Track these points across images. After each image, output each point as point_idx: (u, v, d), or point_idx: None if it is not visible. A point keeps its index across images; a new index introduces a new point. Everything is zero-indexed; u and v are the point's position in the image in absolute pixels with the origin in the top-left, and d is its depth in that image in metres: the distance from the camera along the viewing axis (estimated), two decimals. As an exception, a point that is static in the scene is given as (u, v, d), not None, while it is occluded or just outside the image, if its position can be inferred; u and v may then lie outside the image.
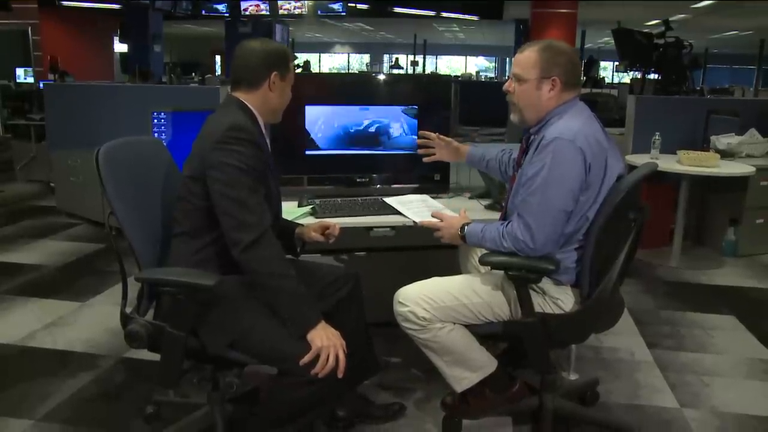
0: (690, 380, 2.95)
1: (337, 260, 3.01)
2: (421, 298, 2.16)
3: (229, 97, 2.12)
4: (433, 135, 2.69)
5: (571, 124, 2.06)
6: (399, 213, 2.58)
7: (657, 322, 3.62)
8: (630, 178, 2.09)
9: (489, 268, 2.18)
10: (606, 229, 2.04)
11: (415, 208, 2.61)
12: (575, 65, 2.17)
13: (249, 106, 2.08)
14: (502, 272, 2.13)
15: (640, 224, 2.17)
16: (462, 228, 2.23)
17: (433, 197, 2.80)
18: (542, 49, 2.14)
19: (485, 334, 2.24)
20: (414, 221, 2.49)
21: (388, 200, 2.68)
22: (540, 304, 2.14)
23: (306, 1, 14.42)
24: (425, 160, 2.71)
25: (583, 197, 2.05)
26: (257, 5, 14.86)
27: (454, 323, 2.18)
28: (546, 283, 2.13)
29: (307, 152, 2.90)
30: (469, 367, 2.24)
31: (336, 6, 14.71)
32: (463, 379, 2.26)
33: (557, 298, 2.15)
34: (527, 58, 2.15)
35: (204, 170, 1.94)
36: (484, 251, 2.17)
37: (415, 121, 2.96)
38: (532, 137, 2.18)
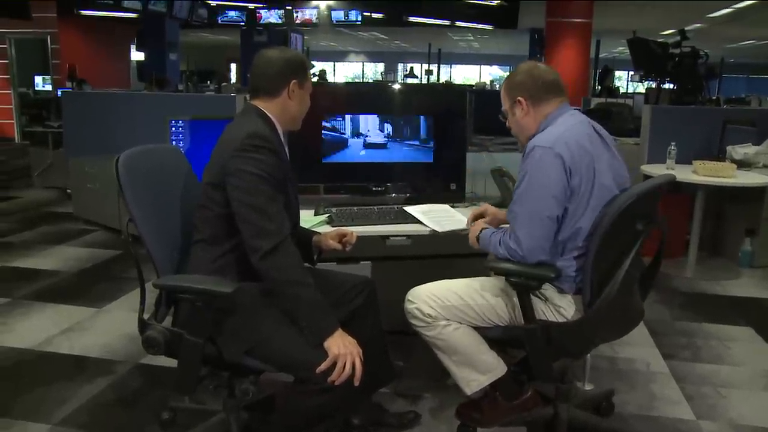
0: (706, 392, 2.93)
1: (353, 269, 3.02)
2: (428, 296, 2.24)
3: (248, 105, 2.13)
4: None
5: (553, 132, 2.11)
6: (417, 222, 2.59)
7: (673, 333, 3.60)
8: (636, 188, 2.08)
9: None
10: (607, 238, 2.02)
11: (436, 217, 2.62)
12: (535, 76, 2.21)
13: (268, 114, 2.10)
14: None
15: (663, 238, 2.16)
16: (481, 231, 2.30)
17: (450, 206, 2.80)
18: (505, 81, 2.31)
19: (491, 337, 2.27)
20: (435, 231, 2.51)
21: (409, 209, 2.69)
22: (543, 311, 2.16)
23: (323, 1, 14.46)
24: None
25: (572, 204, 2.06)
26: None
27: (460, 323, 2.23)
28: (549, 290, 2.15)
29: (324, 161, 2.91)
30: (477, 368, 2.27)
31: (351, 15, 14.77)
32: (471, 381, 2.28)
33: (560, 306, 2.16)
34: (501, 94, 2.30)
35: (224, 177, 1.95)
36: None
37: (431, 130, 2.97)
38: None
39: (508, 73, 2.33)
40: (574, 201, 2.06)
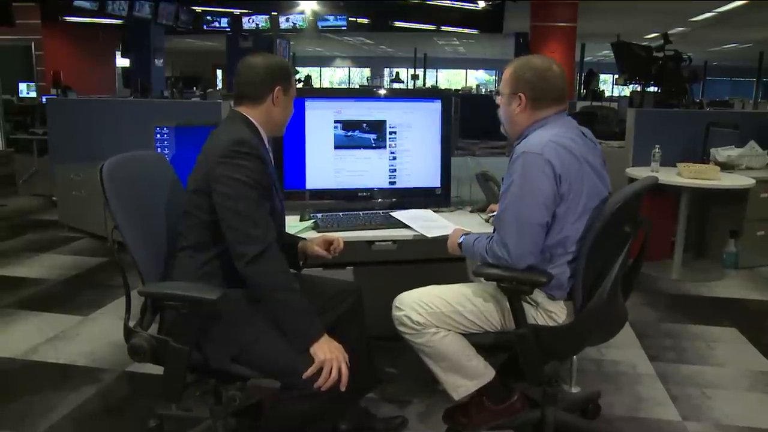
0: (692, 393, 2.95)
1: (339, 274, 3.02)
2: (416, 303, 2.21)
3: (232, 112, 2.14)
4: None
5: (543, 137, 2.07)
6: (402, 226, 2.59)
7: (658, 335, 3.63)
8: (624, 192, 2.09)
9: None
10: (597, 242, 2.03)
11: (422, 222, 2.62)
12: (546, 81, 2.14)
13: (253, 120, 2.10)
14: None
15: (646, 238, 2.17)
16: (461, 237, 2.28)
17: (434, 211, 2.81)
18: (516, 65, 2.19)
19: (480, 343, 2.26)
20: (424, 236, 2.51)
21: (396, 214, 2.69)
22: (533, 316, 2.15)
23: (309, 1, 14.46)
24: None
25: (560, 209, 2.05)
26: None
27: (449, 330, 2.21)
28: (540, 296, 2.14)
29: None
30: (465, 374, 2.26)
31: (337, 20, 14.80)
32: (459, 387, 2.27)
33: (551, 311, 2.16)
34: (505, 73, 2.21)
35: (209, 184, 1.96)
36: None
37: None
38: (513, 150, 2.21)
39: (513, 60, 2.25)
40: (563, 206, 2.05)
